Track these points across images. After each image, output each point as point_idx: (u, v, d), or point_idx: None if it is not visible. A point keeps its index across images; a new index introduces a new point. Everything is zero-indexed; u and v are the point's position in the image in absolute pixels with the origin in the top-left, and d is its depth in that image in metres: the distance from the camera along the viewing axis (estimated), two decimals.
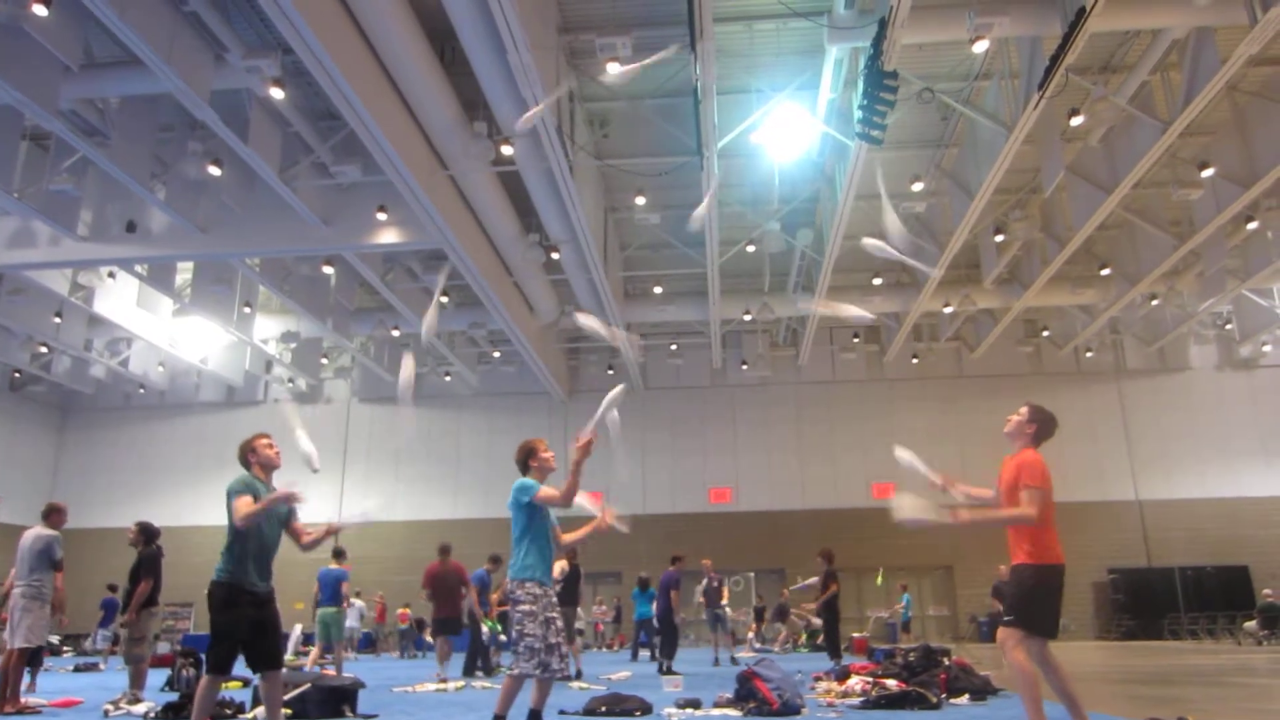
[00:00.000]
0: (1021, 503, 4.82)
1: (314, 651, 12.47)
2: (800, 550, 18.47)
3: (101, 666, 16.78)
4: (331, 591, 12.26)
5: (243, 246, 17.19)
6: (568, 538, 5.72)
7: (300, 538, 5.36)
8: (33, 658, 9.41)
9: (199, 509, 25.86)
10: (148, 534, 9.03)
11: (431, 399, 28.47)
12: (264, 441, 5.41)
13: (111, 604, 17.71)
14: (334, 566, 12.39)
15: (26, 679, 9.56)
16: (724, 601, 16.40)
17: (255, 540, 5.06)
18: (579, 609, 15.56)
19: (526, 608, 5.23)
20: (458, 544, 12.47)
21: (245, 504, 4.98)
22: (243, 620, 4.95)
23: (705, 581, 16.05)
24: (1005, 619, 4.88)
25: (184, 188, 15.77)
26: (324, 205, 16.36)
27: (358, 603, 21.92)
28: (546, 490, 5.37)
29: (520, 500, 5.38)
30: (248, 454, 5.37)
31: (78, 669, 16.16)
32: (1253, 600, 22.88)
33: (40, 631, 8.31)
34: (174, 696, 8.03)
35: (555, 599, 5.44)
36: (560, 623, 5.38)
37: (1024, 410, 5.16)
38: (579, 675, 11.48)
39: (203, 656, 9.56)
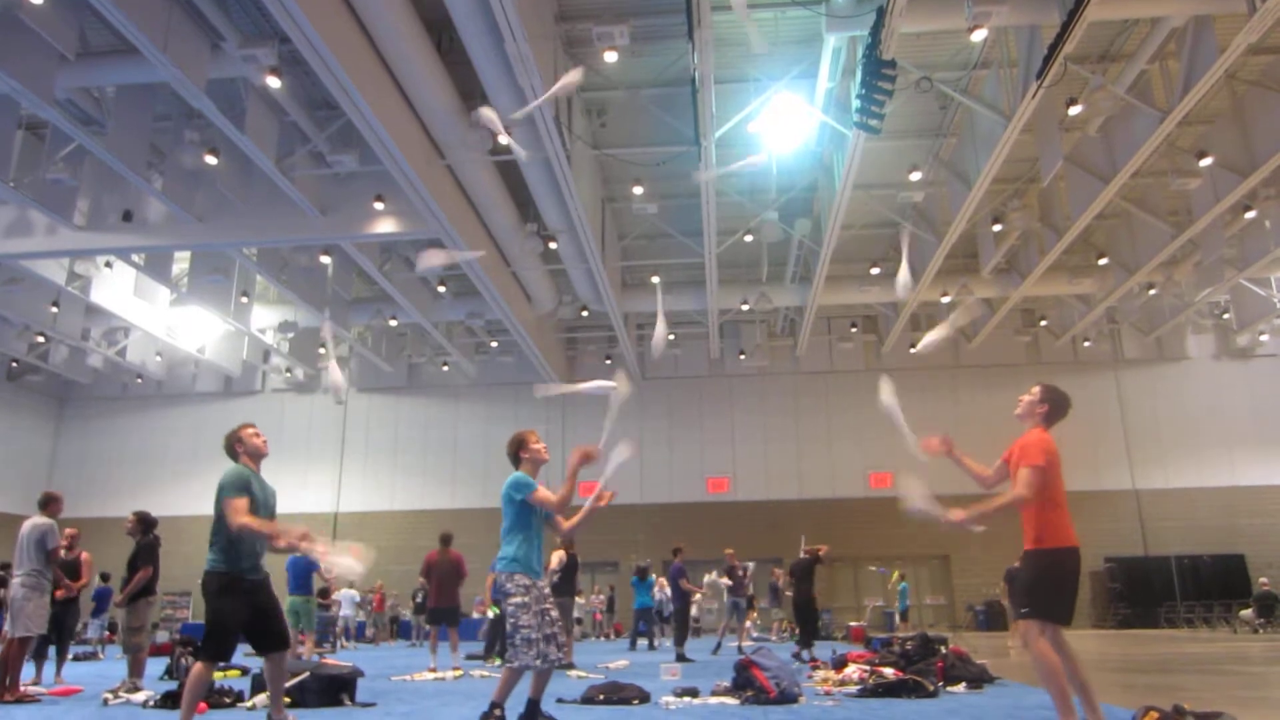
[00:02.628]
0: (1018, 483, 4.72)
1: (308, 642, 12.49)
2: (798, 539, 18.47)
3: (100, 655, 16.81)
4: (302, 580, 12.23)
5: (240, 236, 17.14)
6: (568, 524, 5.69)
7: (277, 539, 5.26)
8: (39, 647, 9.45)
9: (196, 498, 25.84)
10: (145, 523, 9.04)
11: (429, 389, 28.50)
12: (250, 430, 5.32)
13: (103, 593, 17.71)
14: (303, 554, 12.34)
15: (33, 671, 9.60)
16: (749, 592, 16.34)
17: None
18: (576, 598, 15.60)
19: (518, 600, 5.20)
20: (455, 534, 12.50)
21: (242, 507, 4.89)
22: (239, 608, 4.91)
23: (731, 570, 15.91)
24: (1021, 611, 4.77)
25: (181, 177, 15.72)
26: (321, 195, 16.33)
27: (351, 592, 21.95)
28: (543, 493, 5.32)
29: (513, 496, 5.33)
30: (235, 444, 5.27)
31: (76, 658, 16.18)
32: (1248, 588, 22.99)
33: (40, 620, 8.32)
34: (173, 685, 8.05)
35: (548, 590, 5.43)
36: (555, 613, 5.36)
37: (1035, 390, 5.05)
38: (571, 665, 11.50)
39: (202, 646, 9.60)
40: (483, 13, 11.31)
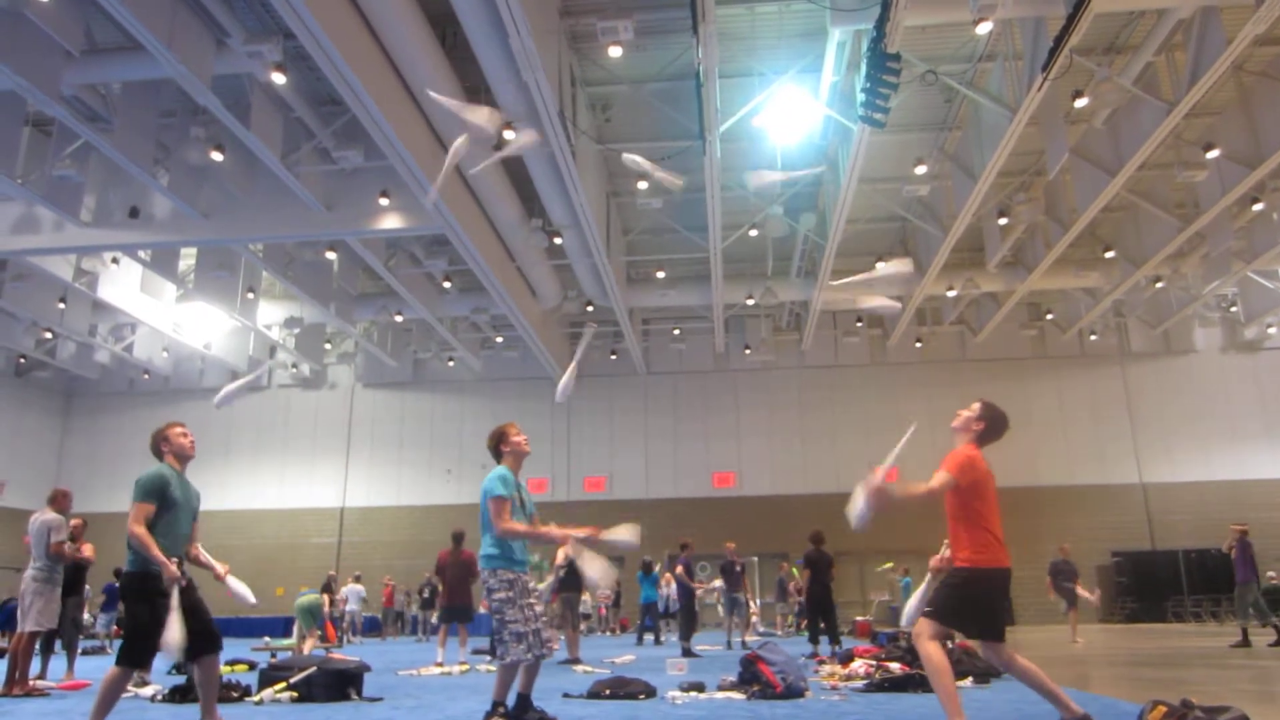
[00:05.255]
0: (932, 480, 4.62)
1: (311, 638, 12.58)
2: (803, 535, 18.48)
3: (108, 650, 16.89)
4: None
5: (245, 232, 17.19)
6: (517, 526, 5.35)
7: (191, 546, 5.14)
8: (46, 642, 9.48)
9: (201, 495, 25.94)
10: None
11: (434, 384, 28.55)
12: (178, 430, 5.15)
13: (113, 589, 17.82)
14: None
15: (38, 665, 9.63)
16: (744, 586, 16.22)
17: (167, 530, 4.87)
18: (582, 594, 15.57)
19: (503, 595, 5.16)
20: (462, 529, 12.53)
21: (143, 513, 4.75)
22: (159, 611, 4.72)
23: (729, 565, 15.83)
24: (925, 609, 4.69)
25: (186, 173, 15.76)
26: (326, 191, 16.35)
27: (357, 587, 22.01)
28: (506, 513, 5.18)
29: (484, 491, 5.29)
30: (160, 444, 5.10)
31: (84, 653, 16.25)
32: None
33: (51, 615, 8.36)
34: (181, 679, 8.08)
35: (532, 583, 5.40)
36: (540, 606, 5.35)
37: (976, 406, 4.93)
38: (577, 660, 11.50)
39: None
40: (487, 8, 11.31)
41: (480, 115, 7.51)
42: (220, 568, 5.18)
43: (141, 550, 4.73)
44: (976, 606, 4.60)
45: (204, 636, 4.89)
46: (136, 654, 4.77)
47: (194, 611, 4.87)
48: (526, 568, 5.38)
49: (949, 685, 4.49)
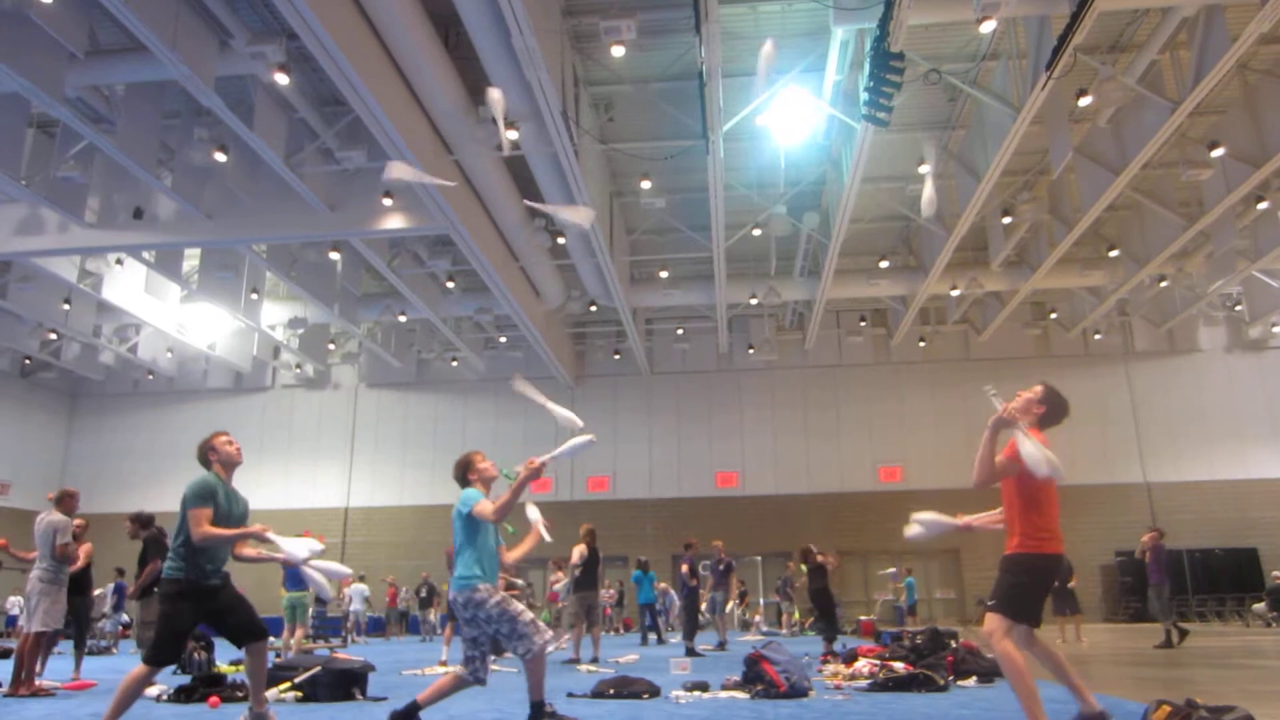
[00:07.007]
0: (1008, 452, 4.56)
1: (298, 633, 12.61)
2: (807, 534, 18.47)
3: (114, 650, 16.92)
4: (297, 577, 12.46)
5: (249, 233, 17.20)
6: (511, 555, 5.51)
7: (237, 547, 5.21)
8: (48, 642, 9.49)
9: None
10: (142, 521, 9.17)
11: (438, 384, 28.57)
12: (224, 439, 5.26)
13: (122, 589, 17.86)
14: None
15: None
16: (733, 586, 16.23)
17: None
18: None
19: (495, 599, 5.08)
20: None
21: (204, 518, 4.88)
22: (194, 613, 4.89)
23: (715, 564, 15.87)
24: (990, 605, 4.59)
25: (190, 174, 15.78)
26: (329, 191, 16.36)
27: (361, 587, 22.03)
28: (482, 505, 5.15)
29: (460, 511, 5.20)
30: (208, 453, 5.22)
31: (90, 652, 16.28)
32: (1261, 582, 22.88)
33: (57, 616, 8.38)
34: (186, 679, 8.09)
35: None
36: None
37: (1038, 389, 4.86)
38: (595, 660, 11.50)
39: (214, 640, 9.66)
40: (490, 7, 11.32)
41: (577, 214, 8.76)
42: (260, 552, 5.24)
43: (220, 544, 4.92)
44: (1038, 592, 4.56)
45: (246, 628, 5.05)
46: (165, 654, 4.88)
47: (235, 607, 5.04)
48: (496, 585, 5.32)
49: (1030, 685, 4.35)
